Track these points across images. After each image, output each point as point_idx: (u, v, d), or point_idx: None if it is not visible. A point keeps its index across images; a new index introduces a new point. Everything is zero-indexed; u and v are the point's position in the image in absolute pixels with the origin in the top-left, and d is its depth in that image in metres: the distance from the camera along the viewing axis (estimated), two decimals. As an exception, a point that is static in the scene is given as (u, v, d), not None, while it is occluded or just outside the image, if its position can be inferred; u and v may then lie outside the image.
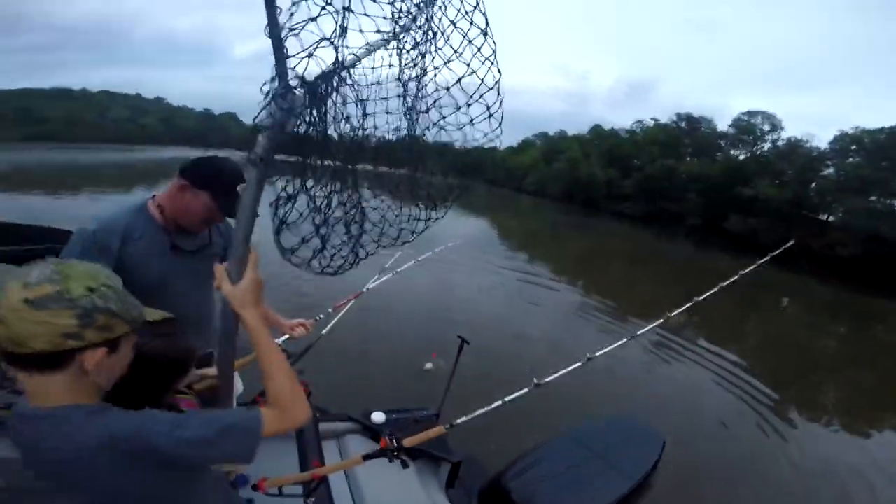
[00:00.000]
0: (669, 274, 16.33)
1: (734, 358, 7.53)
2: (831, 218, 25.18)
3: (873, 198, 23.16)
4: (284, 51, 0.80)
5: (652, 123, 43.33)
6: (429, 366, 4.79)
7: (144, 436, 0.76)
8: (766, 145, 32.69)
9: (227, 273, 0.96)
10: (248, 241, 0.95)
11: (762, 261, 2.87)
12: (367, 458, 1.58)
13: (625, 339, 2.21)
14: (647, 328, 2.43)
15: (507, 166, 63.63)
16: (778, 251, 2.97)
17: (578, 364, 1.99)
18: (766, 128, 33.04)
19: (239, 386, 1.87)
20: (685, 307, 2.69)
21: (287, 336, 1.94)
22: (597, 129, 53.75)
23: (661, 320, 2.50)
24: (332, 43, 0.84)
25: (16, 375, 0.76)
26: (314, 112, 0.92)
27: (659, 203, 34.24)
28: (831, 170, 26.56)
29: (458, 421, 1.76)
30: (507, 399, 1.82)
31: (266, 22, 0.75)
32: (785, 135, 31.55)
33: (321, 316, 2.29)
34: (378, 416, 2.45)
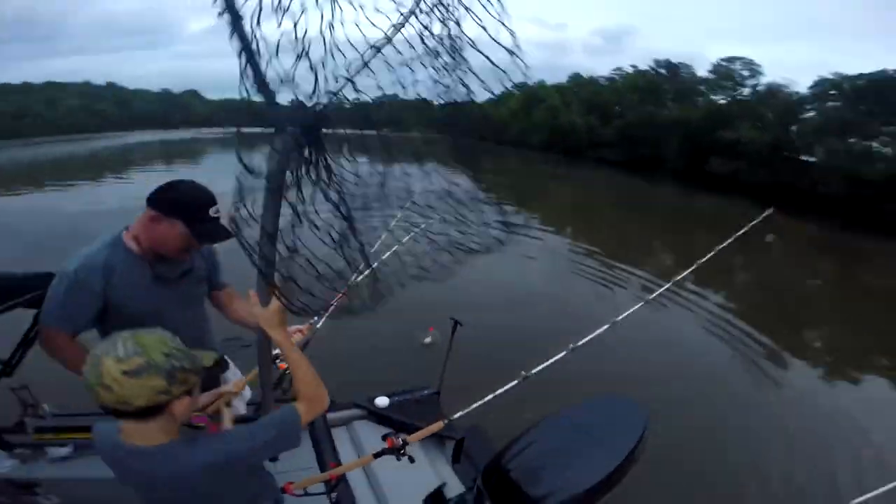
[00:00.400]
0: (657, 220, 16.33)
1: (720, 300, 7.75)
2: (813, 159, 25.48)
3: (852, 140, 23.61)
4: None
5: (631, 71, 43.38)
6: (427, 340, 4.82)
7: (231, 455, 1.07)
8: (746, 90, 33.03)
9: (257, 297, 1.16)
10: (273, 267, 1.02)
11: (744, 230, 2.99)
12: (377, 456, 1.74)
13: (636, 307, 2.46)
14: (654, 294, 2.64)
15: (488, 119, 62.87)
16: (758, 220, 3.09)
17: (601, 329, 2.23)
18: (746, 73, 33.33)
19: (247, 393, 1.98)
20: (689, 271, 2.83)
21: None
22: (576, 78, 53.11)
23: (668, 284, 2.75)
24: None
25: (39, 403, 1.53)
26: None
27: (642, 149, 34.47)
28: (812, 113, 26.98)
29: (456, 416, 1.94)
30: (498, 392, 1.98)
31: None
32: (764, 80, 31.90)
33: (314, 318, 2.27)
34: (382, 401, 2.67)
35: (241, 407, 1.92)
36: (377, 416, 2.63)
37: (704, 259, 2.85)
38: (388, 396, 2.70)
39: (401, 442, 1.72)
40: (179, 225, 1.42)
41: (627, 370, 4.76)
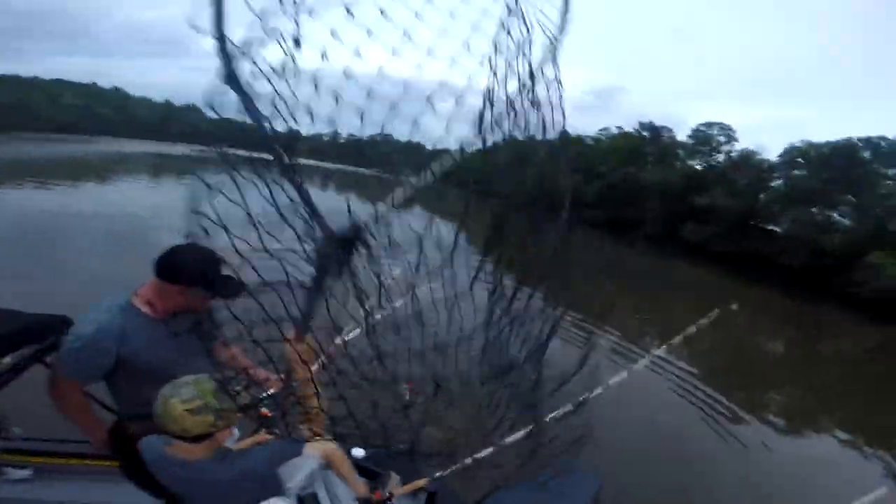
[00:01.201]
0: (629, 282, 16.80)
1: (685, 365, 7.89)
2: (778, 229, 26.31)
3: (814, 209, 24.38)
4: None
5: (616, 131, 43.60)
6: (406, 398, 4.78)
7: (259, 469, 1.43)
8: (721, 156, 33.91)
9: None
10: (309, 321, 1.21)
11: (702, 321, 3.18)
12: None
13: (598, 390, 2.59)
14: (619, 377, 2.80)
15: (476, 170, 64.44)
16: (711, 317, 3.25)
17: (566, 408, 2.27)
18: (722, 139, 34.23)
19: (235, 432, 2.04)
20: (660, 349, 3.26)
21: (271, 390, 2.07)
22: (562, 136, 54.45)
23: (643, 361, 3.02)
24: None
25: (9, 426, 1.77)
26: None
27: (622, 210, 34.71)
28: (779, 181, 27.85)
29: (438, 474, 2.07)
30: (476, 456, 2.09)
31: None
32: (739, 146, 32.90)
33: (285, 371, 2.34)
34: (358, 452, 2.58)
35: (229, 443, 2.09)
36: (355, 468, 2.75)
37: (674, 340, 3.15)
38: (363, 448, 2.68)
39: (388, 494, 1.81)
40: (198, 290, 1.52)
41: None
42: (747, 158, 30.34)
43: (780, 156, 28.07)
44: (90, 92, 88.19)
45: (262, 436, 1.86)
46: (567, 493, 2.25)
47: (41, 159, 27.45)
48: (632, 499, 4.02)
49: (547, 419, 2.30)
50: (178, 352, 1.62)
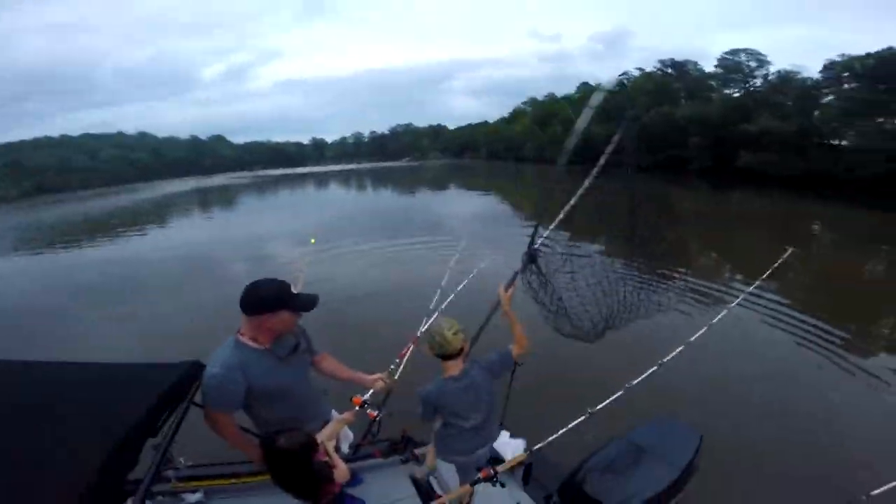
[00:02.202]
0: (699, 224, 15.70)
1: (775, 297, 7.18)
2: (844, 143, 24.31)
3: (880, 119, 22.57)
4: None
5: (638, 74, 42.91)
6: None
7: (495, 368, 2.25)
8: (758, 81, 32.36)
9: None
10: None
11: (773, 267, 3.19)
12: (473, 484, 1.97)
13: (679, 348, 2.49)
14: (696, 335, 2.59)
15: (504, 137, 63.59)
16: (777, 263, 3.24)
17: (650, 370, 2.29)
18: (753, 64, 32.80)
19: (350, 435, 2.43)
20: (753, 285, 3.09)
21: (372, 391, 2.36)
22: (584, 88, 53.32)
23: (725, 311, 2.80)
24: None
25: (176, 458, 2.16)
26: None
27: (662, 150, 33.72)
28: (830, 97, 26.04)
29: (537, 447, 2.09)
30: (570, 426, 2.10)
31: None
32: (773, 69, 31.26)
33: (392, 366, 2.59)
34: None
35: (344, 447, 2.31)
36: None
37: (752, 287, 3.11)
38: None
39: (493, 472, 1.95)
40: (285, 313, 1.85)
41: (686, 385, 4.57)
42: (788, 79, 28.74)
43: (822, 72, 26.37)
44: (120, 141, 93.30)
45: (347, 415, 2.17)
46: (666, 451, 2.25)
47: (99, 214, 29.43)
48: (751, 450, 3.74)
49: (661, 363, 2.35)
50: (289, 373, 1.96)
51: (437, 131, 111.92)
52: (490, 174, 44.48)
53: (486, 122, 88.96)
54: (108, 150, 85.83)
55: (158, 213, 27.71)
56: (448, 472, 2.69)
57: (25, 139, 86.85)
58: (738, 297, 3.11)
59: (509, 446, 2.61)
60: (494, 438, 2.38)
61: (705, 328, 2.68)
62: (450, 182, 37.09)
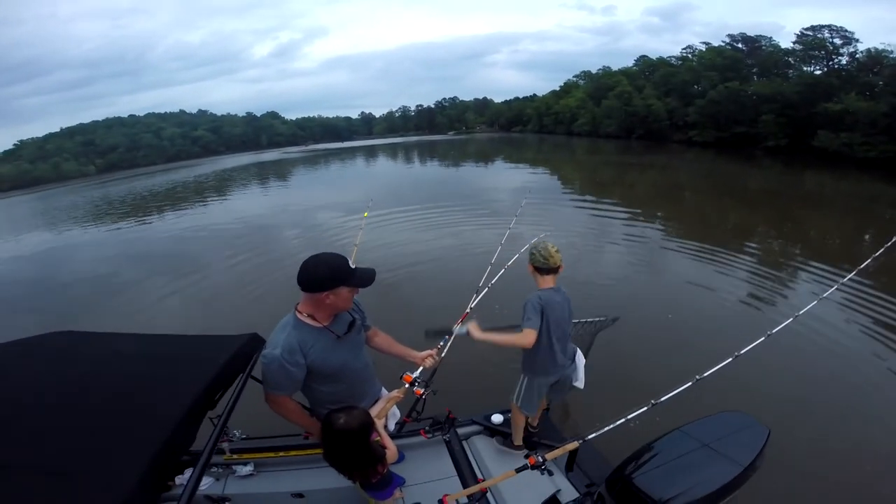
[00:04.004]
0: (767, 201, 14.39)
1: (868, 289, 6.22)
2: None
3: None
4: None
5: (704, 48, 41.31)
6: None
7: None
8: (843, 59, 29.82)
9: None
10: None
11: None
12: (518, 471, 1.86)
13: (759, 340, 2.29)
14: (779, 327, 2.38)
15: (554, 111, 62.11)
16: (879, 252, 2.94)
17: (725, 361, 2.13)
18: (838, 41, 30.13)
19: (397, 413, 2.41)
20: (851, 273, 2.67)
21: (421, 368, 2.29)
22: (645, 60, 51.11)
23: (814, 301, 2.49)
24: None
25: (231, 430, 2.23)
26: None
27: (730, 127, 32.16)
28: None
29: (590, 436, 1.95)
30: (629, 416, 1.98)
31: None
32: (861, 47, 28.66)
33: (441, 343, 2.50)
34: (497, 418, 2.96)
35: (391, 424, 2.30)
36: (492, 432, 2.93)
37: (847, 277, 2.78)
38: (502, 413, 2.98)
39: (541, 459, 1.89)
40: (343, 289, 1.82)
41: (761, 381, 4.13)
42: (879, 58, 26.21)
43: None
44: (182, 120, 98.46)
45: (397, 393, 2.13)
46: (728, 446, 2.08)
47: (165, 188, 31.17)
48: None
49: (736, 355, 2.20)
50: (346, 351, 1.96)
51: (483, 104, 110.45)
52: (540, 148, 43.23)
53: (534, 96, 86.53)
54: (171, 128, 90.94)
55: (218, 186, 28.96)
56: (488, 454, 2.76)
57: (98, 119, 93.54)
58: (830, 286, 2.81)
59: (581, 363, 2.73)
60: (572, 359, 2.63)
61: (790, 319, 2.45)
62: (497, 155, 36.36)
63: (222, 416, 1.53)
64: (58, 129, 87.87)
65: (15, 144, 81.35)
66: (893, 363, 4.63)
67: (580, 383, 2.74)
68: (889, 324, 5.42)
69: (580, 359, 2.72)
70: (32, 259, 12.90)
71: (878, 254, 2.84)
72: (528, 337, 2.34)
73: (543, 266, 2.41)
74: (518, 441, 2.76)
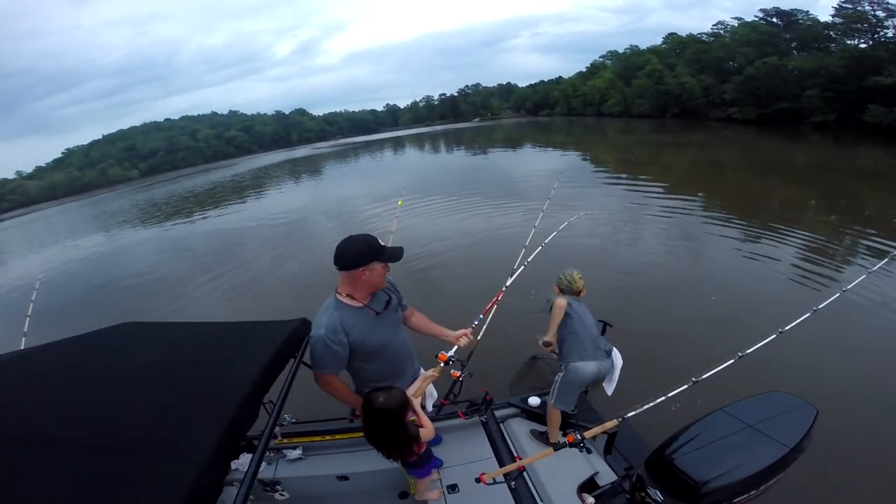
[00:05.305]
0: (822, 177, 13.58)
1: None
2: None
3: None
4: None
5: (736, 24, 39.60)
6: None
7: None
8: (889, 31, 27.81)
9: None
10: None
11: None
12: (557, 448, 1.92)
13: (804, 316, 2.26)
14: (857, 280, 2.35)
15: (581, 93, 60.58)
16: None
17: (768, 339, 2.10)
18: (881, 14, 28.08)
19: (434, 393, 2.40)
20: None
21: (456, 347, 2.33)
22: (674, 38, 49.26)
23: (864, 275, 2.42)
24: None
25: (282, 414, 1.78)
26: None
27: (772, 103, 30.63)
28: None
29: (629, 414, 1.97)
30: (669, 394, 2.01)
31: None
32: None
33: (476, 322, 2.54)
34: (534, 401, 2.96)
35: (428, 405, 2.33)
36: (529, 414, 2.96)
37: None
38: (539, 396, 3.00)
39: (579, 437, 1.94)
40: (376, 265, 1.92)
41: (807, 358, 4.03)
42: None
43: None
44: (215, 121, 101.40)
45: (433, 371, 2.19)
46: (774, 427, 2.01)
47: (204, 189, 32.38)
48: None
49: (781, 331, 2.19)
50: (386, 328, 2.04)
51: (507, 89, 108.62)
52: (570, 131, 42.31)
53: (560, 79, 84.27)
54: (205, 129, 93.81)
55: (254, 184, 29.86)
56: (525, 437, 2.78)
57: (136, 125, 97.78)
58: (879, 261, 2.71)
59: (618, 364, 2.75)
60: (609, 353, 2.69)
61: (837, 294, 2.38)
62: (525, 140, 35.81)
63: (279, 400, 1.56)
64: (100, 136, 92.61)
65: (63, 153, 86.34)
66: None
67: (611, 388, 2.72)
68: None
69: (618, 359, 2.73)
70: (90, 261, 13.74)
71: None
72: (558, 303, 2.68)
73: (567, 289, 2.81)
74: (554, 438, 2.75)
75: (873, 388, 3.74)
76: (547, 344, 2.78)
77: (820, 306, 2.29)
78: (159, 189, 39.89)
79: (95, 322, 2.03)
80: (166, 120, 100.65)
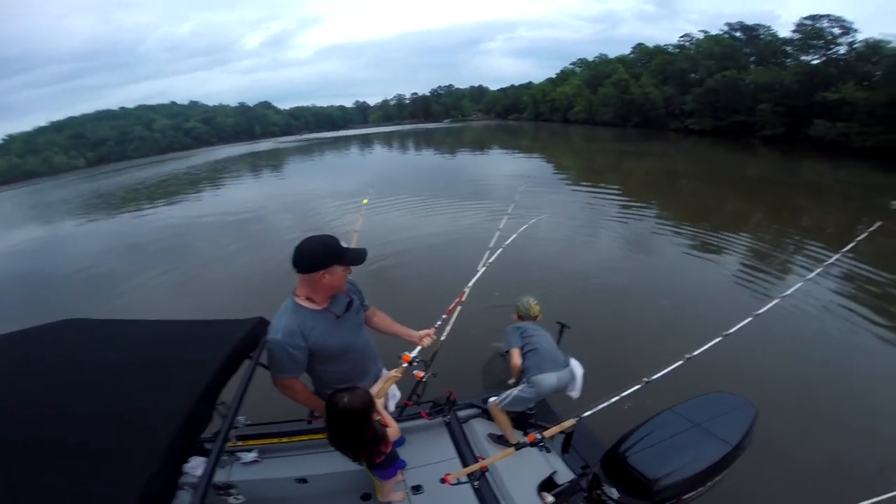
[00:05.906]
0: (764, 188, 14.48)
1: (857, 272, 6.50)
2: None
3: None
4: None
5: (702, 36, 41.19)
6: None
7: None
8: (842, 49, 29.63)
9: None
10: None
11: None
12: (519, 447, 1.97)
13: (746, 321, 2.38)
14: (794, 288, 2.50)
15: (550, 99, 61.90)
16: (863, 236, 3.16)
17: (714, 341, 2.22)
18: (837, 31, 30.00)
19: (397, 394, 2.38)
20: (833, 258, 2.85)
21: (420, 347, 2.32)
22: (642, 48, 50.87)
23: (800, 283, 2.55)
24: None
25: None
26: None
27: (728, 115, 32.30)
28: None
29: (586, 414, 2.05)
30: (623, 394, 2.08)
31: None
32: (860, 37, 28.29)
33: (438, 323, 2.57)
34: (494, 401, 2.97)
35: (391, 406, 2.31)
36: (489, 414, 2.97)
37: (832, 259, 2.91)
38: (498, 396, 2.98)
39: (539, 437, 1.99)
40: (337, 268, 1.85)
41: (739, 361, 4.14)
42: (878, 48, 26.04)
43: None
44: (173, 111, 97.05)
45: (395, 372, 2.16)
46: (718, 425, 2.17)
47: (156, 180, 30.82)
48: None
49: (725, 334, 2.30)
50: (347, 330, 1.99)
51: (479, 92, 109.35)
52: (536, 136, 43.11)
53: (530, 84, 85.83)
54: (163, 119, 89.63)
55: (211, 177, 28.69)
56: (485, 435, 2.81)
57: (87, 112, 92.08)
58: (815, 269, 2.91)
59: (579, 373, 2.82)
60: (566, 364, 2.74)
61: (777, 300, 2.54)
62: (493, 143, 36.21)
63: (234, 402, 1.52)
64: (46, 124, 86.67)
65: (4, 139, 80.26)
66: (875, 341, 4.84)
67: (576, 392, 2.76)
68: (878, 304, 5.60)
69: (578, 367, 2.79)
70: (27, 254, 12.85)
71: (861, 237, 2.98)
72: (514, 356, 2.76)
73: (525, 314, 3.01)
74: (513, 440, 2.75)
75: (808, 388, 4.05)
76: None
77: (760, 311, 2.44)
78: (107, 180, 37.61)
79: (29, 320, 1.88)
80: (121, 108, 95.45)
